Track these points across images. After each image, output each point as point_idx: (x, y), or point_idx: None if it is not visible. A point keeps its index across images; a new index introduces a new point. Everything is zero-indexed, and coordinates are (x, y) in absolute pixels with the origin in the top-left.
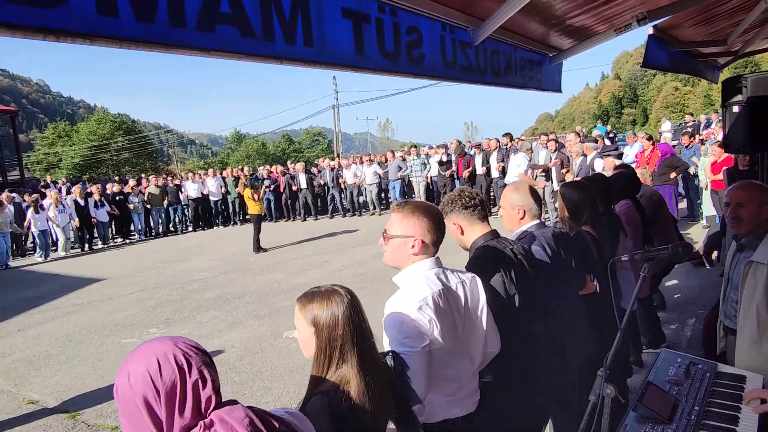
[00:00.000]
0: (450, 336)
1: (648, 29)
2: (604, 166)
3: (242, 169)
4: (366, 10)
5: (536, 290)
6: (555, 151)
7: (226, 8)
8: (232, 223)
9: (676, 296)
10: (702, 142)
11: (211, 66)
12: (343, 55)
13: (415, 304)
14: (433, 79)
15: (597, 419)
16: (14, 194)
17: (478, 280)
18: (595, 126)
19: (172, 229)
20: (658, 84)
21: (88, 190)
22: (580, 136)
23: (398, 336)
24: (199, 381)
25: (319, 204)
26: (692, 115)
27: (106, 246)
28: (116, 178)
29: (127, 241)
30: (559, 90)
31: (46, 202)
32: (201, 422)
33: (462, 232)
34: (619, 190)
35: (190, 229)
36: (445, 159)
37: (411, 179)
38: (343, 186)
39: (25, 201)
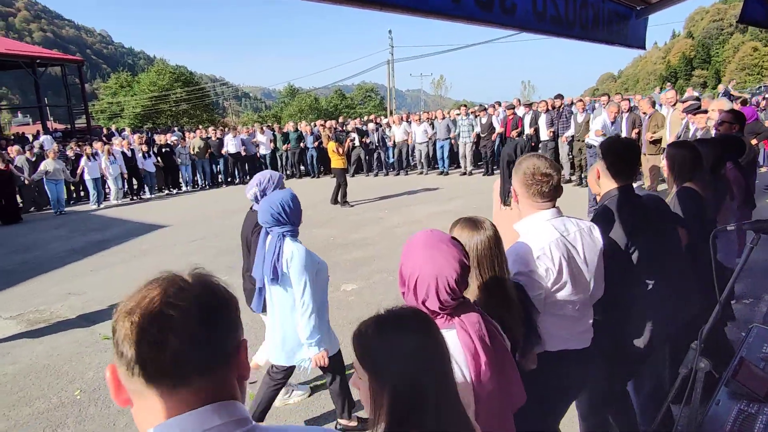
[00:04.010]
0: (565, 280)
1: None
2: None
3: (324, 123)
4: None
5: (653, 245)
6: (617, 113)
7: None
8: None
9: (748, 269)
10: None
11: (266, 20)
12: (439, 3)
13: (533, 252)
14: (524, 31)
15: (688, 392)
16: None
17: (596, 228)
18: (663, 88)
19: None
20: (735, 43)
21: (157, 140)
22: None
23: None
24: (450, 280)
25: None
26: None
27: (153, 196)
28: (175, 128)
29: (175, 191)
30: (644, 46)
31: (106, 149)
32: (452, 306)
33: (598, 177)
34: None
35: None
36: (484, 120)
37: (458, 140)
38: (392, 143)
39: (79, 150)
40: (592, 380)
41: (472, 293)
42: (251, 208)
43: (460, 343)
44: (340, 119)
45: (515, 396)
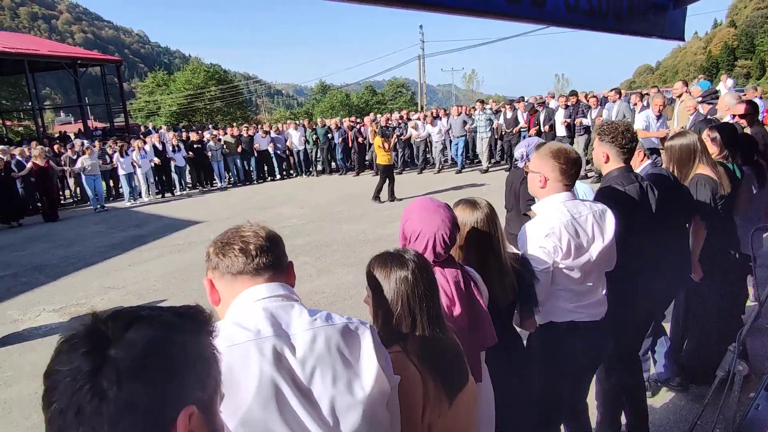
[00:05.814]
0: (574, 257)
1: None
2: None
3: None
4: None
5: (653, 223)
6: (662, 106)
7: None
8: (314, 173)
9: None
10: None
11: (298, 17)
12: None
13: (543, 231)
14: (555, 25)
15: (725, 396)
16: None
17: (608, 211)
18: (697, 80)
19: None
20: None
21: (190, 137)
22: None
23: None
24: (445, 236)
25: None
26: None
27: (184, 192)
28: (210, 126)
29: (207, 188)
30: (682, 38)
31: (137, 144)
32: (442, 259)
33: (606, 161)
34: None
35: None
36: (509, 115)
37: (475, 135)
38: (411, 141)
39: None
40: (605, 353)
41: (471, 263)
42: (515, 166)
43: None
44: (367, 116)
45: (484, 336)
